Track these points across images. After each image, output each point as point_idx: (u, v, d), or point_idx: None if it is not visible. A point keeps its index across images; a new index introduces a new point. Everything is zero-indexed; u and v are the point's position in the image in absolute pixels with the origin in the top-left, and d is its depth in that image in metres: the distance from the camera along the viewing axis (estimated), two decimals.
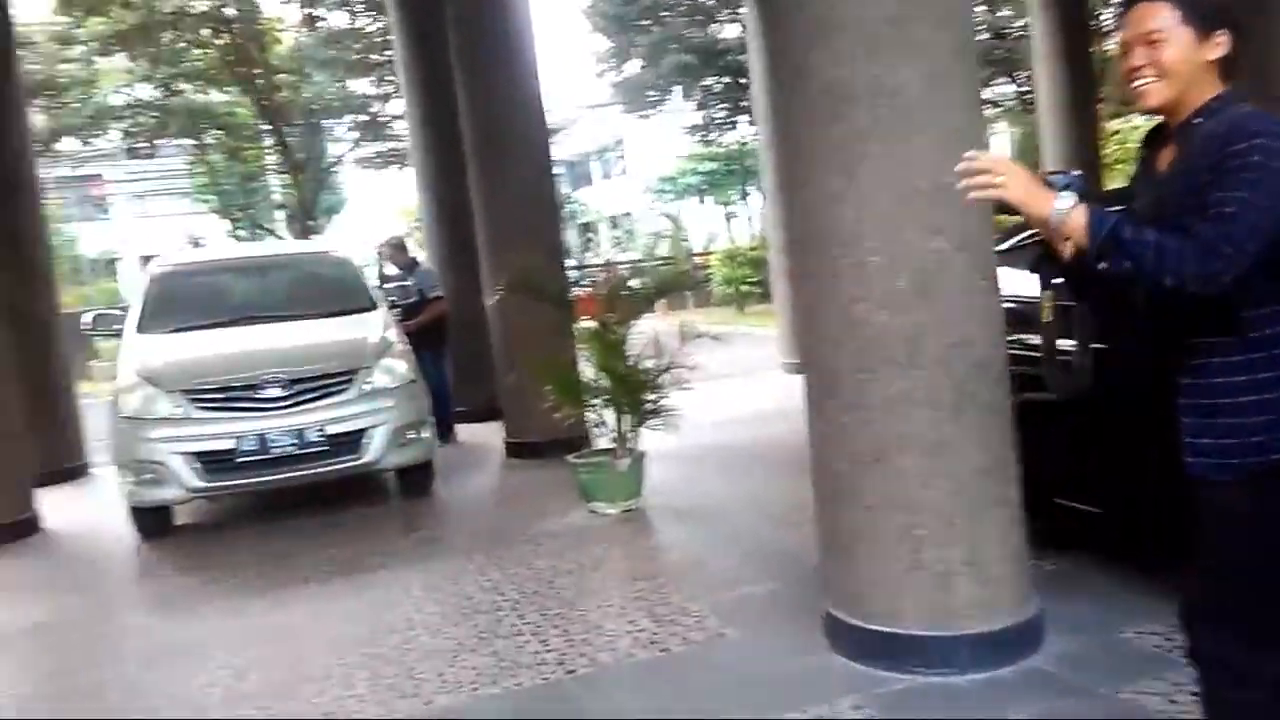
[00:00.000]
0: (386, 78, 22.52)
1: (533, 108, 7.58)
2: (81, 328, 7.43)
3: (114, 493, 6.24)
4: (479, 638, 4.03)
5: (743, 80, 14.40)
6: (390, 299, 7.94)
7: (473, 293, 8.11)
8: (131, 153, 28.47)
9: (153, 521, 6.13)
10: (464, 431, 8.65)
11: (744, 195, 29.54)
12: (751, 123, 13.27)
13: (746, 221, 29.42)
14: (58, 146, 24.72)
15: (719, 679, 3.47)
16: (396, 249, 8.71)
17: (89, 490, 7.91)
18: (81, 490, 7.86)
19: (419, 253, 9.79)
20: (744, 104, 19.79)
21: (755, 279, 19.58)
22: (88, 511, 7.00)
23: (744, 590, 4.29)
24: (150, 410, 5.83)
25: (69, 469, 8.16)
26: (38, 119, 22.91)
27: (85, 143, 25.67)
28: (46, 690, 4.02)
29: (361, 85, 25.09)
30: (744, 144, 26.15)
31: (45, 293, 8.48)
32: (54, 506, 6.95)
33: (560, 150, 27.72)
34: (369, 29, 22.94)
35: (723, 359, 7.93)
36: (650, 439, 5.99)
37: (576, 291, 8.01)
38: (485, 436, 8.19)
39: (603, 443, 6.21)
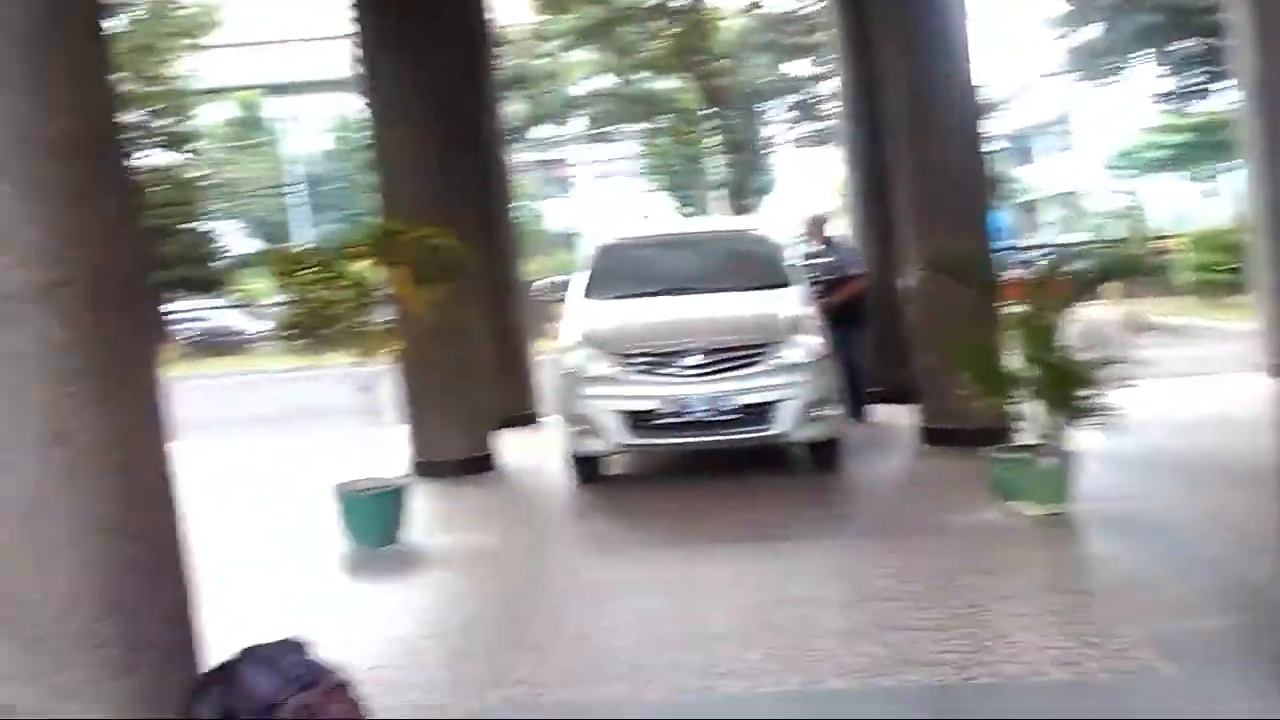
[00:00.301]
0: (822, 59, 22.68)
1: (961, 80, 7.22)
2: (537, 293, 8.33)
3: (556, 440, 6.91)
4: (876, 625, 3.92)
5: (1219, 41, 12.50)
6: (812, 275, 7.98)
7: (894, 271, 7.91)
8: (592, 137, 31.36)
9: (586, 469, 6.71)
10: (878, 412, 8.49)
11: (1221, 171, 25.86)
12: (1234, 87, 11.47)
13: (1224, 200, 25.77)
14: (530, 133, 27.97)
15: (1145, 717, 3.05)
16: (817, 226, 8.71)
17: (537, 436, 8.84)
18: (531, 436, 8.82)
19: (842, 230, 9.72)
20: (1220, 68, 17.28)
21: (1231, 265, 17.00)
22: (534, 455, 7.83)
23: (1188, 621, 3.75)
24: (588, 369, 6.39)
25: (522, 416, 9.20)
26: (514, 108, 26.08)
27: (554, 129, 28.80)
28: (489, 613, 4.55)
29: (797, 67, 25.51)
30: (1220, 113, 22.84)
31: (512, 262, 9.61)
32: (508, 448, 7.86)
33: (1002, 124, 26.13)
34: (806, 11, 23.21)
35: (1182, 355, 6.99)
36: (1083, 438, 5.43)
37: (1008, 274, 7.49)
38: (900, 419, 7.96)
39: (1027, 437, 5.75)
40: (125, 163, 3.21)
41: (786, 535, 5.29)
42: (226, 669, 3.23)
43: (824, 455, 6.60)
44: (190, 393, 14.07)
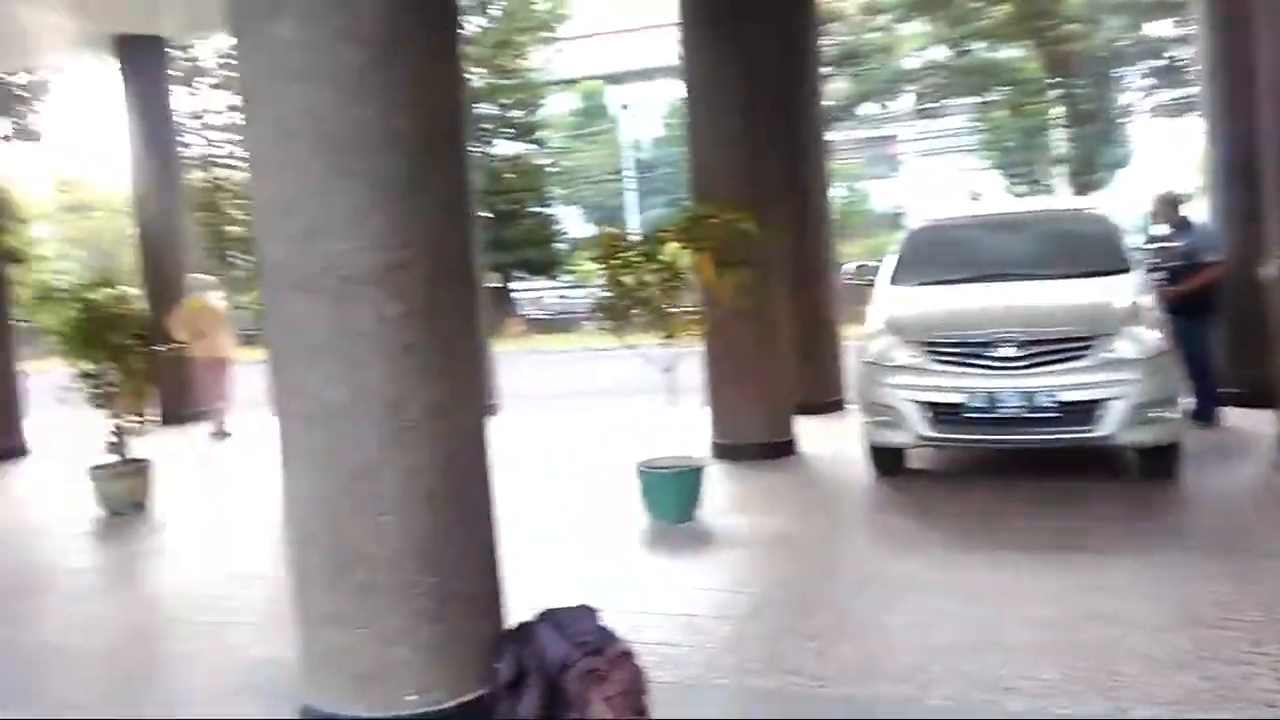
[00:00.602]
0: (1186, 17, 20.29)
1: None
2: (844, 277, 8.20)
3: (859, 429, 6.81)
4: (1196, 654, 3.53)
5: None
6: (1159, 261, 7.23)
7: (1257, 259, 6.97)
8: (921, 113, 30.20)
9: (886, 461, 6.54)
10: (1231, 416, 7.55)
11: None
12: None
13: None
14: (858, 110, 27.41)
15: None
16: (1168, 206, 7.84)
17: (841, 424, 8.73)
18: (834, 423, 8.72)
19: (1200, 211, 8.69)
20: None
21: None
22: (837, 443, 7.75)
23: None
24: (889, 357, 6.21)
25: (827, 403, 9.12)
26: (841, 86, 25.66)
27: (882, 106, 28.02)
28: (776, 598, 4.58)
29: (1157, 28, 23.00)
30: None
31: (824, 245, 9.50)
32: (810, 434, 7.84)
33: None
34: None
35: None
36: None
37: None
38: (1256, 425, 7.02)
39: None
40: (460, 153, 3.54)
41: (1102, 547, 4.86)
42: (524, 628, 3.52)
43: (1158, 462, 5.98)
44: (520, 367, 15.33)
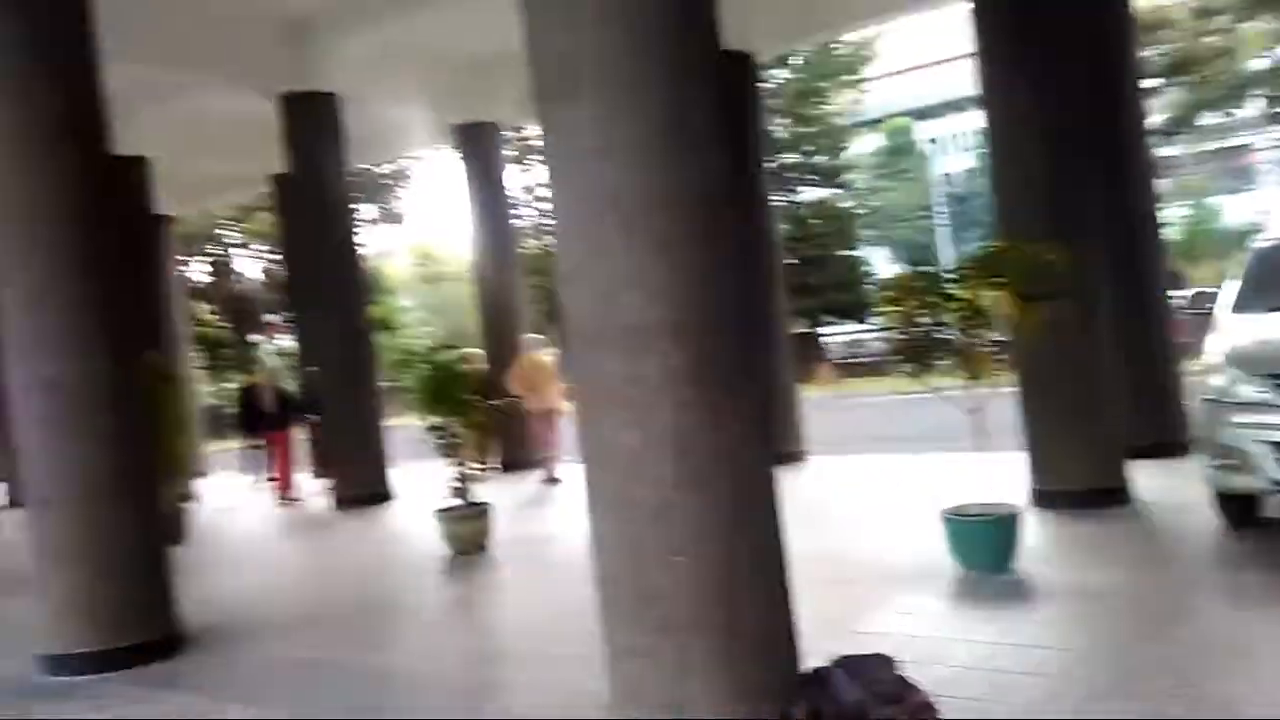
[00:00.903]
0: None
1: None
2: (1182, 306, 7.47)
3: (1200, 474, 6.15)
4: None
5: None
6: None
7: None
8: (1276, 119, 26.91)
9: (1235, 509, 5.85)
10: None
11: None
12: None
13: None
14: (1199, 121, 24.89)
15: None
16: None
17: (1182, 468, 7.88)
18: (1175, 467, 7.89)
19: None
20: None
21: None
22: (1177, 489, 7.02)
23: None
24: (1232, 393, 5.56)
25: (1165, 444, 8.26)
26: (1177, 96, 23.44)
27: (1226, 114, 25.29)
28: (1096, 656, 4.24)
29: None
30: None
31: (1154, 270, 8.69)
32: (1146, 479, 7.16)
33: None
34: None
35: None
36: None
37: None
38: None
39: None
40: (741, 209, 3.71)
41: None
42: (820, 674, 3.54)
43: None
44: (829, 412, 15.23)
